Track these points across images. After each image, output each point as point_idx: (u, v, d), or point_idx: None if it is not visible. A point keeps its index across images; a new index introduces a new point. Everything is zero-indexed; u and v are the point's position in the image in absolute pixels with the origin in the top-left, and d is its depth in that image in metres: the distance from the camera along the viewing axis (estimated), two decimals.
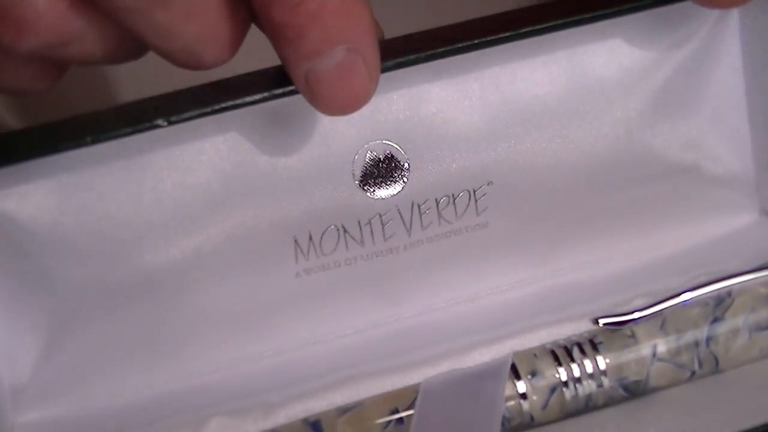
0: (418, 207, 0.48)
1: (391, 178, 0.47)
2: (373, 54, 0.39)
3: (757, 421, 0.38)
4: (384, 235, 0.48)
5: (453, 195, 0.48)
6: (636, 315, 0.42)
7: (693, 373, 0.43)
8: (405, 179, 0.48)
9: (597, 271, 0.51)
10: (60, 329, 0.47)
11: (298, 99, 0.44)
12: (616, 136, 0.50)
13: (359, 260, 0.48)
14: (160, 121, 0.42)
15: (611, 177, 0.50)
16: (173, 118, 0.42)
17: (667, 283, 0.47)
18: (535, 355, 0.42)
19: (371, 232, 0.48)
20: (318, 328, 0.49)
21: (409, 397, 0.41)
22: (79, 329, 0.47)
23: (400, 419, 0.41)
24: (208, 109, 0.42)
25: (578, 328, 0.46)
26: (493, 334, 0.47)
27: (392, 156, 0.47)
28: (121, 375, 0.48)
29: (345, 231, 0.48)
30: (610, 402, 0.42)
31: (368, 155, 0.47)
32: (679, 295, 0.43)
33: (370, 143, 0.47)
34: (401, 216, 0.48)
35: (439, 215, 0.49)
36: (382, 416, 0.41)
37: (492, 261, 0.50)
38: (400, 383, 0.45)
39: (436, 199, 0.48)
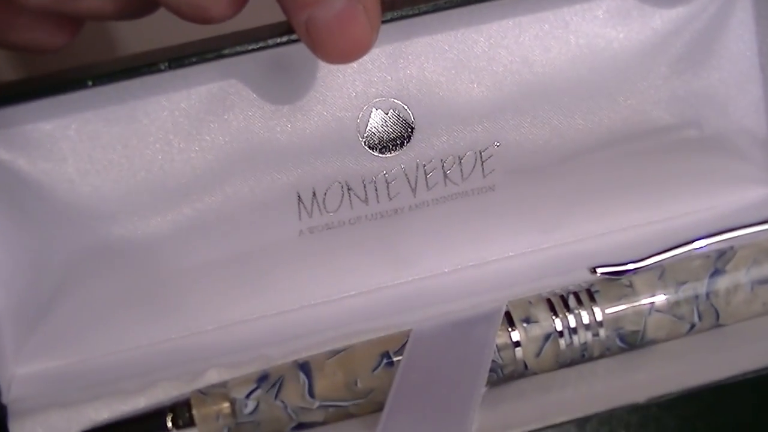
0: (423, 167, 0.48)
1: (396, 137, 0.47)
2: (373, 2, 0.39)
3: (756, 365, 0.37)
4: (389, 194, 0.48)
5: (459, 156, 0.48)
6: (634, 265, 0.41)
7: (692, 326, 0.42)
8: (410, 138, 0.47)
9: (605, 242, 0.50)
10: (62, 284, 0.47)
11: (304, 54, 0.45)
12: (628, 104, 0.49)
13: (363, 220, 0.48)
14: (161, 65, 0.42)
15: (622, 146, 0.50)
16: (174, 63, 0.42)
17: None
18: (530, 302, 0.42)
19: (375, 190, 0.48)
20: (320, 288, 0.49)
21: (400, 341, 0.41)
22: (81, 284, 0.47)
23: (390, 362, 0.40)
24: (211, 55, 0.42)
25: None
26: (496, 298, 0.47)
27: (398, 114, 0.47)
28: (121, 330, 0.48)
29: (349, 189, 0.47)
30: (607, 353, 0.42)
31: (374, 113, 0.47)
32: (678, 246, 0.42)
33: (376, 101, 0.47)
34: (406, 176, 0.48)
35: (445, 176, 0.48)
36: (372, 359, 0.41)
37: (498, 226, 0.50)
38: None
39: (441, 160, 0.48)
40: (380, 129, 0.47)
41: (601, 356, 0.42)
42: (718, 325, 0.42)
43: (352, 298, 0.49)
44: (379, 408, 0.40)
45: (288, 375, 0.41)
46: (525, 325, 0.41)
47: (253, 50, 0.43)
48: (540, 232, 0.50)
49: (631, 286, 0.42)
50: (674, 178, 0.51)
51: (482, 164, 0.48)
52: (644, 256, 0.42)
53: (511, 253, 0.50)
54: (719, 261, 0.42)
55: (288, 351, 0.45)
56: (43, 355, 0.48)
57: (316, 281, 0.49)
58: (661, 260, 0.42)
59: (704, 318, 0.42)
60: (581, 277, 0.45)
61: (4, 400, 0.45)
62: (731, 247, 0.42)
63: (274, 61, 0.45)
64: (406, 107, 0.47)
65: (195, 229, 0.47)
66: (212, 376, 0.44)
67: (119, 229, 0.46)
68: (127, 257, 0.47)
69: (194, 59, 0.42)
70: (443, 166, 0.48)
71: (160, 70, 0.42)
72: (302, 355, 0.45)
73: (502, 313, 0.41)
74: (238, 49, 0.42)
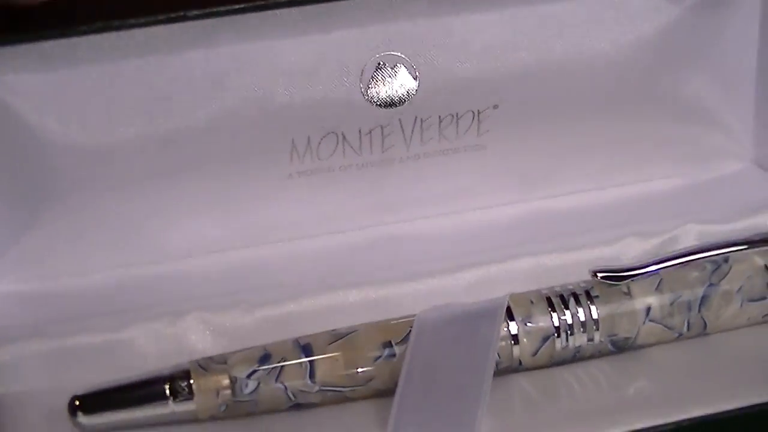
0: (421, 121, 0.47)
1: (397, 92, 0.46)
2: None
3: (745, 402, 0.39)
4: (383, 145, 0.48)
5: (457, 114, 0.48)
6: (635, 272, 0.42)
7: (680, 334, 0.43)
8: (411, 94, 0.46)
9: (586, 201, 0.51)
10: (36, 206, 0.46)
11: (308, 12, 0.43)
12: (626, 66, 0.49)
13: (354, 168, 0.48)
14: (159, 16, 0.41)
15: (614, 109, 0.50)
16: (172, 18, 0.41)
17: (655, 226, 0.48)
18: (531, 301, 0.42)
19: (370, 141, 0.47)
20: (304, 226, 0.49)
21: (402, 330, 0.41)
22: (57, 206, 0.46)
23: (392, 352, 0.41)
24: (221, 9, 0.41)
25: (564, 259, 0.47)
26: (478, 257, 0.47)
27: (400, 67, 0.46)
28: (98, 255, 0.47)
29: (344, 138, 0.47)
30: (597, 354, 0.43)
31: (377, 65, 0.46)
32: (679, 256, 0.43)
33: (379, 53, 0.46)
34: (402, 128, 0.47)
35: (440, 132, 0.48)
36: (375, 347, 0.41)
37: (486, 183, 0.50)
38: (383, 297, 0.46)
39: (439, 116, 0.47)
40: (381, 81, 0.46)
41: (591, 357, 0.43)
42: (704, 334, 0.43)
43: (333, 235, 0.49)
44: (375, 394, 0.41)
45: (290, 357, 0.41)
46: (525, 325, 0.42)
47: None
48: (526, 189, 0.51)
49: (629, 293, 0.42)
50: (659, 146, 0.52)
51: (479, 124, 0.48)
52: (645, 264, 0.42)
53: (495, 206, 0.50)
54: (714, 275, 0.43)
55: (269, 299, 0.45)
56: (17, 277, 0.47)
57: (300, 223, 0.49)
58: (662, 268, 0.42)
59: (692, 328, 0.43)
60: (564, 242, 0.47)
61: None
62: (726, 260, 0.43)
63: (276, 18, 0.44)
64: (410, 62, 0.46)
65: (182, 163, 0.46)
66: (192, 319, 0.44)
67: (99, 153, 0.45)
68: (106, 182, 0.46)
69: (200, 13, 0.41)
70: (440, 122, 0.48)
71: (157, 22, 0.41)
72: (285, 305, 0.45)
73: (504, 309, 0.41)
74: (235, 7, 0.41)
